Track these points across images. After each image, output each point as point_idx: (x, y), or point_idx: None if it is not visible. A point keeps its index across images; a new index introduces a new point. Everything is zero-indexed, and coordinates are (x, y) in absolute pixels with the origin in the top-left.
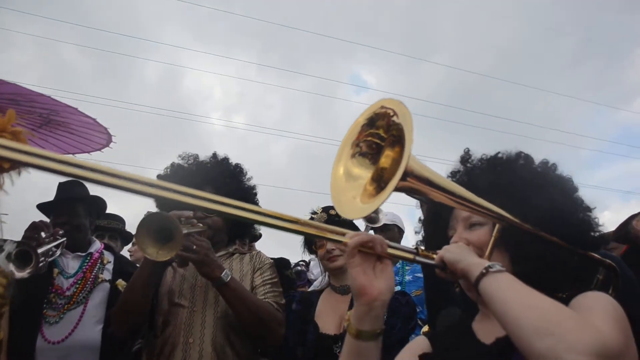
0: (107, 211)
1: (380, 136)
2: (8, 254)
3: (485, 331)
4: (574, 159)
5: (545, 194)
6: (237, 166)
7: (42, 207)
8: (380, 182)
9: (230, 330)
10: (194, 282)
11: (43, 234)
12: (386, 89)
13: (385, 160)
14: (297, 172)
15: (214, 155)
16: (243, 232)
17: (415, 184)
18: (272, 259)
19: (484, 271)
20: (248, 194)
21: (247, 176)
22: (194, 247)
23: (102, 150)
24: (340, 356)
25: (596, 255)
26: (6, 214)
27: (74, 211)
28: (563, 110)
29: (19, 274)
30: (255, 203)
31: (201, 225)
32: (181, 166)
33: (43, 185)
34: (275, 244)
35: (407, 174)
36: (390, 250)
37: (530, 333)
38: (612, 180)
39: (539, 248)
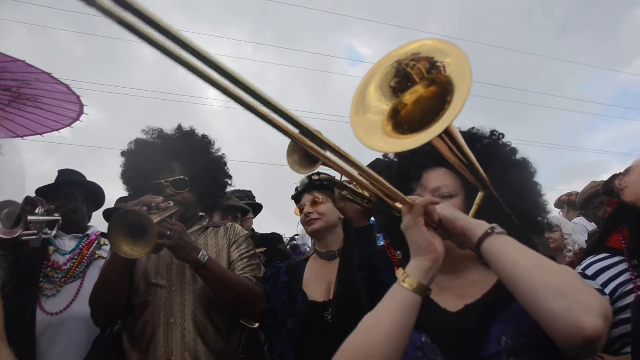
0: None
1: (410, 76)
2: None
3: (448, 302)
4: (573, 123)
5: (516, 172)
6: (204, 137)
7: (40, 191)
8: (399, 122)
9: (211, 307)
10: (170, 260)
11: (37, 210)
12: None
13: (410, 97)
14: None
15: (179, 127)
16: (214, 204)
17: (445, 140)
18: (263, 234)
19: (489, 231)
20: (217, 166)
21: (215, 147)
22: (167, 232)
23: (72, 125)
24: (380, 311)
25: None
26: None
27: (71, 195)
28: (561, 75)
29: (6, 236)
30: (226, 174)
31: (172, 204)
32: (145, 141)
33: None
34: (272, 217)
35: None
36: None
37: (546, 293)
38: (610, 142)
39: (505, 223)
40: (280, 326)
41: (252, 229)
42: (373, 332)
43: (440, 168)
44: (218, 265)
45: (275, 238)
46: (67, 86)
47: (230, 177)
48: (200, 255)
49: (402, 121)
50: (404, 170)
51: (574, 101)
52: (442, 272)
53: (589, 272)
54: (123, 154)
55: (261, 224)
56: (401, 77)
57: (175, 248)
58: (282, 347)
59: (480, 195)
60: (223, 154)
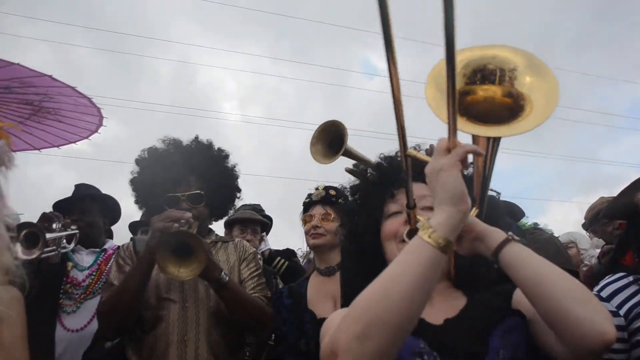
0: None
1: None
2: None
3: (425, 313)
4: (591, 135)
5: (489, 194)
6: (221, 151)
7: (57, 206)
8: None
9: (224, 325)
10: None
11: (54, 225)
12: (399, 74)
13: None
14: (313, 162)
15: (197, 139)
16: (222, 217)
17: (491, 144)
18: (277, 251)
19: (510, 237)
20: (232, 181)
21: (231, 162)
22: None
23: (90, 138)
24: (399, 270)
25: None
26: (22, 214)
27: (87, 209)
28: (578, 88)
29: (26, 256)
30: (238, 188)
31: (191, 217)
32: (162, 150)
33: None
34: (287, 230)
35: None
36: None
37: (572, 298)
38: (627, 154)
39: None
40: (293, 349)
41: (269, 249)
42: (390, 295)
43: (420, 183)
44: (237, 286)
45: (290, 253)
46: (89, 99)
47: (240, 190)
48: (222, 274)
49: (463, 105)
50: (385, 178)
51: (591, 114)
52: None
53: (604, 294)
54: (138, 161)
55: (277, 238)
56: (485, 72)
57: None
58: None
59: (474, 211)
60: (237, 167)
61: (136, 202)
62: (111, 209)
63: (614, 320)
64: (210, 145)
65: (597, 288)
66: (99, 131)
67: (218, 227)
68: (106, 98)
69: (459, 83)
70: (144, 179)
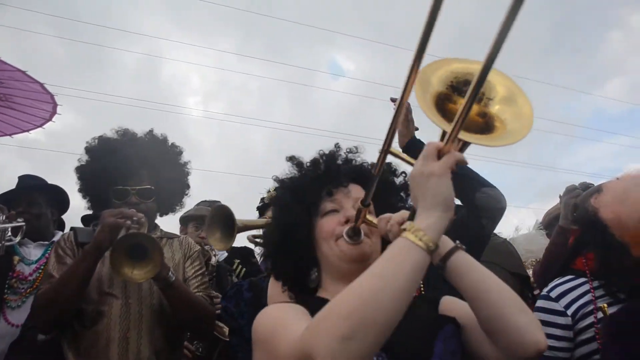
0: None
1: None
2: None
3: None
4: (552, 143)
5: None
6: (175, 146)
7: (1, 197)
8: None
9: (167, 323)
10: None
11: None
12: (365, 75)
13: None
14: (276, 159)
15: (151, 132)
16: (168, 214)
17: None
18: (235, 248)
19: (459, 245)
20: (183, 177)
21: (184, 158)
22: None
23: (44, 127)
24: (388, 271)
25: None
26: None
27: (34, 200)
28: (538, 96)
29: None
30: (187, 185)
31: (143, 217)
32: (115, 141)
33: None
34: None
35: None
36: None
37: (514, 307)
38: (583, 163)
39: None
40: (248, 344)
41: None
42: (380, 296)
43: (357, 185)
44: (183, 285)
45: (247, 252)
46: (41, 85)
47: (189, 187)
48: (170, 273)
49: (443, 108)
50: (324, 175)
51: (553, 123)
52: (347, 282)
53: (553, 294)
54: (88, 149)
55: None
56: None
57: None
58: None
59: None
60: (189, 164)
61: (80, 190)
62: (59, 200)
63: (561, 320)
64: (164, 139)
65: (545, 289)
66: (54, 120)
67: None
68: (65, 88)
69: (444, 87)
70: (94, 168)
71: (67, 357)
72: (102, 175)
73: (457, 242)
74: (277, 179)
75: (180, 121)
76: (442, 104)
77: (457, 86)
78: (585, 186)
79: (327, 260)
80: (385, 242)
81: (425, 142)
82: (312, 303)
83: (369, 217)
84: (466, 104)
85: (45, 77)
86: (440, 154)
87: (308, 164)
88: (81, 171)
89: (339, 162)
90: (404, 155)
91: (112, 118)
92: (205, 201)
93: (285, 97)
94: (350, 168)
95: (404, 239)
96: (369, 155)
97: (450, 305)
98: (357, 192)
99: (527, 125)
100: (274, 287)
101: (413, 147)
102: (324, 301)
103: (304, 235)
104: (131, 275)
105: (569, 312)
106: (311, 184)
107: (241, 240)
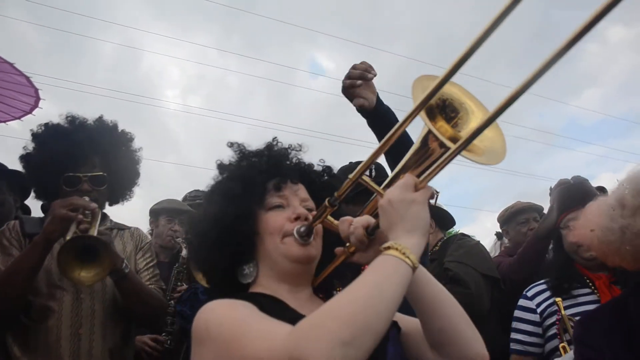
0: None
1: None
2: None
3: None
4: (523, 151)
5: None
6: (127, 133)
7: None
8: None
9: (120, 319)
10: None
11: None
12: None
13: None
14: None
15: (100, 118)
16: (118, 203)
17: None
18: None
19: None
20: (135, 165)
21: (135, 145)
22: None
23: (22, 118)
24: (382, 283)
25: None
26: None
27: None
28: (516, 104)
29: None
30: (138, 174)
31: (96, 208)
32: (64, 127)
33: None
34: None
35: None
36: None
37: (464, 320)
38: (560, 170)
39: None
40: None
41: None
42: (376, 304)
43: (301, 185)
44: (136, 277)
45: None
46: (27, 78)
47: (139, 176)
48: (123, 265)
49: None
50: (274, 168)
51: (530, 131)
52: (287, 282)
53: (530, 293)
54: (35, 136)
55: None
56: (447, 110)
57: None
58: None
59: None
60: (140, 152)
61: (27, 180)
62: (21, 185)
63: (532, 317)
64: (115, 126)
65: (526, 290)
66: (34, 113)
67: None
68: (42, 76)
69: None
70: (42, 155)
71: (13, 353)
72: (50, 162)
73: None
74: (220, 165)
75: (159, 113)
76: (431, 113)
77: (439, 106)
78: (578, 179)
79: (269, 257)
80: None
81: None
82: (258, 300)
83: (330, 218)
84: (444, 160)
85: (20, 64)
86: (416, 187)
87: (253, 154)
88: (27, 159)
89: (290, 157)
90: (373, 185)
91: (89, 108)
92: (198, 190)
93: (264, 94)
94: (300, 166)
95: (391, 256)
96: (319, 154)
97: None
98: (303, 191)
99: (501, 151)
100: None
101: (379, 115)
102: (268, 297)
103: (249, 228)
104: (79, 277)
105: (539, 309)
106: (259, 176)
107: None
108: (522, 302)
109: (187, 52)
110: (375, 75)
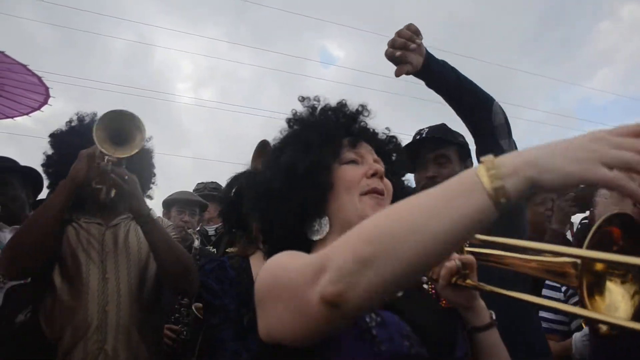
0: None
1: None
2: None
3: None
4: (542, 134)
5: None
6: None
7: None
8: None
9: (146, 295)
10: (101, 247)
11: None
12: (354, 64)
13: None
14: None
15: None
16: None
17: None
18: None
19: (493, 321)
20: (147, 158)
21: (148, 137)
22: (126, 177)
23: (30, 115)
24: (442, 208)
25: None
26: None
27: (7, 182)
28: (525, 85)
29: None
30: (152, 166)
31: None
32: (76, 125)
33: None
34: None
35: None
36: None
37: None
38: None
39: None
40: (233, 323)
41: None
42: (420, 230)
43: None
44: (164, 227)
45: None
46: (39, 78)
47: (154, 167)
48: (151, 211)
49: None
50: (350, 122)
51: (541, 113)
52: None
53: None
54: (54, 136)
55: None
56: None
57: (132, 195)
58: (236, 346)
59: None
60: (152, 146)
61: (50, 185)
62: (33, 182)
63: (556, 295)
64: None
65: None
66: (43, 110)
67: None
68: (53, 74)
69: None
70: (63, 154)
71: (46, 333)
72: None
73: (492, 314)
74: (292, 117)
75: (171, 108)
76: None
77: None
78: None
79: (343, 214)
80: None
81: None
82: None
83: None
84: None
85: (34, 63)
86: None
87: (329, 108)
88: (48, 162)
89: (362, 118)
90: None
91: (102, 104)
92: (201, 183)
93: (276, 85)
94: (371, 129)
95: (474, 174)
96: None
97: None
98: (375, 155)
99: None
100: (258, 268)
101: (431, 75)
102: None
103: (325, 179)
104: (114, 152)
105: (563, 288)
106: (335, 129)
107: None
108: (548, 280)
109: (198, 45)
110: (420, 42)
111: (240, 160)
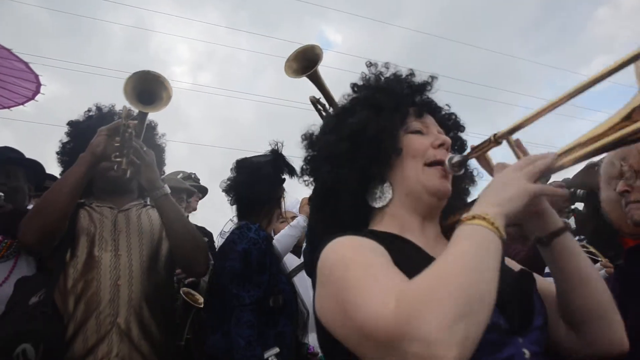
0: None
1: None
2: None
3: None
4: (542, 123)
5: None
6: (152, 122)
7: None
8: None
9: (158, 271)
10: (113, 227)
11: None
12: (350, 49)
13: None
14: (263, 132)
15: (130, 110)
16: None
17: None
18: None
19: (567, 225)
20: (159, 154)
21: (160, 133)
22: (144, 149)
23: (25, 104)
24: (483, 257)
25: None
26: None
27: (12, 173)
28: (523, 72)
29: None
30: (163, 162)
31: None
32: (92, 117)
33: None
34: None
35: None
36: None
37: (612, 302)
38: (557, 138)
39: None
40: (249, 307)
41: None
42: (484, 274)
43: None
44: (176, 203)
45: (203, 233)
46: (26, 64)
47: (164, 164)
48: (165, 185)
49: None
50: (416, 94)
51: (539, 100)
52: (419, 214)
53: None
54: (72, 124)
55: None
56: None
57: (149, 167)
58: (248, 335)
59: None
60: (165, 144)
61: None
62: (36, 175)
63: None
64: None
65: None
66: (37, 99)
67: None
68: (51, 59)
69: None
70: (79, 144)
71: (61, 290)
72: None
73: (565, 220)
74: (364, 78)
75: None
76: None
77: None
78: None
79: (407, 182)
80: None
81: None
82: (385, 239)
83: (488, 155)
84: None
85: (31, 47)
86: (551, 167)
87: (398, 75)
88: (63, 150)
89: (428, 90)
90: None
91: (99, 89)
92: (178, 172)
93: (273, 70)
94: (436, 105)
95: (480, 227)
96: None
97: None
98: (439, 127)
99: None
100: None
101: None
102: (397, 238)
103: (393, 144)
104: (142, 109)
105: None
106: (405, 96)
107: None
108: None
109: (196, 29)
110: None
111: (234, 146)
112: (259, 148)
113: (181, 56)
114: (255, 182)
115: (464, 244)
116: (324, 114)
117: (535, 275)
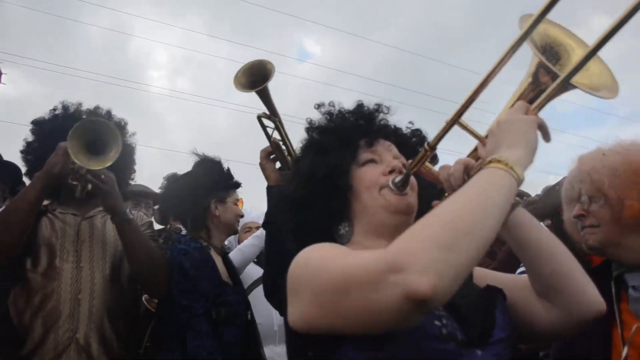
0: None
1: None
2: None
3: None
4: None
5: None
6: (119, 121)
7: None
8: None
9: (121, 285)
10: (76, 236)
11: None
12: (330, 60)
13: None
14: (238, 139)
15: (97, 108)
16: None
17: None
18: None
19: (519, 201)
20: (129, 154)
21: (129, 132)
22: (103, 176)
23: None
24: (487, 190)
25: None
26: None
27: None
28: (503, 89)
29: None
30: (133, 162)
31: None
32: (58, 115)
33: None
34: None
35: None
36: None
37: (577, 265)
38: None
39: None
40: (204, 317)
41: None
42: (480, 208)
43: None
44: (138, 225)
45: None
46: None
47: (135, 163)
48: (128, 209)
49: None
50: (368, 124)
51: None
52: (385, 236)
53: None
54: (34, 122)
55: None
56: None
57: (108, 194)
58: (209, 346)
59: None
60: (135, 144)
61: (29, 172)
62: (12, 176)
63: None
64: (109, 113)
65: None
66: None
67: None
68: (25, 58)
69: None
70: (44, 146)
71: (17, 307)
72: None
73: (517, 198)
74: (310, 123)
75: (144, 97)
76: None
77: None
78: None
79: (366, 212)
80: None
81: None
82: None
83: (428, 165)
84: (555, 87)
85: (9, 47)
86: (527, 113)
87: (345, 112)
88: (27, 149)
89: (380, 116)
90: (472, 129)
91: (75, 91)
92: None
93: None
94: (391, 126)
95: (495, 168)
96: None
97: (485, 275)
98: (395, 149)
99: (614, 85)
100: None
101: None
102: None
103: (345, 182)
104: (87, 163)
105: None
106: (352, 131)
107: None
108: None
109: (176, 35)
110: None
111: (209, 152)
112: (234, 156)
113: (160, 61)
114: (172, 196)
115: (468, 184)
116: (268, 132)
117: (505, 280)
